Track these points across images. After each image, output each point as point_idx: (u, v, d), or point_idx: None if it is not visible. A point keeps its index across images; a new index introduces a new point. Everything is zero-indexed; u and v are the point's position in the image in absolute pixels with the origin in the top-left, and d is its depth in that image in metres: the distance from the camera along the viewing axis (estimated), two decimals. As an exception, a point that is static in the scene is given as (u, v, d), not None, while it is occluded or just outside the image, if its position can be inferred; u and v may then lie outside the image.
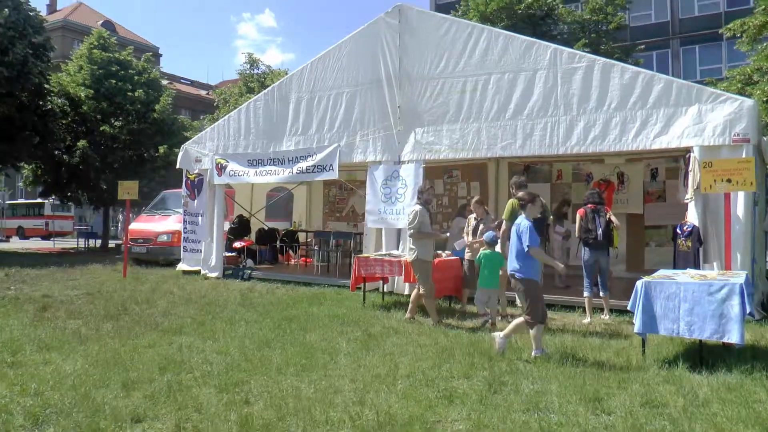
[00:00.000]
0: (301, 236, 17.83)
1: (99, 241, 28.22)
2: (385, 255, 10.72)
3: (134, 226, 18.21)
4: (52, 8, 67.18)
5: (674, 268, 9.68)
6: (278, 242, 16.75)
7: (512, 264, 7.16)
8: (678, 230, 9.70)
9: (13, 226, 38.17)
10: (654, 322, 6.53)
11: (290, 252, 17.23)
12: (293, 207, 19.08)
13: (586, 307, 9.53)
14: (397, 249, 11.49)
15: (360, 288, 10.67)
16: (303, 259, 17.05)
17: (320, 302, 10.75)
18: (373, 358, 6.76)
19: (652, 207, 13.88)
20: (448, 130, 11.42)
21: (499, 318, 9.13)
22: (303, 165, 13.12)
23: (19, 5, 21.89)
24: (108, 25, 62.00)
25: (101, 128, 25.52)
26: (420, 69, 11.76)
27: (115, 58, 27.85)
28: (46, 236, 35.79)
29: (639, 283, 6.72)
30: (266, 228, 17.38)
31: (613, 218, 9.80)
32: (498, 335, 7.16)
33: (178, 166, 15.66)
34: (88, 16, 63.84)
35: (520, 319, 7.07)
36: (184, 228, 15.27)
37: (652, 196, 13.98)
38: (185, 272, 15.01)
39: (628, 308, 6.87)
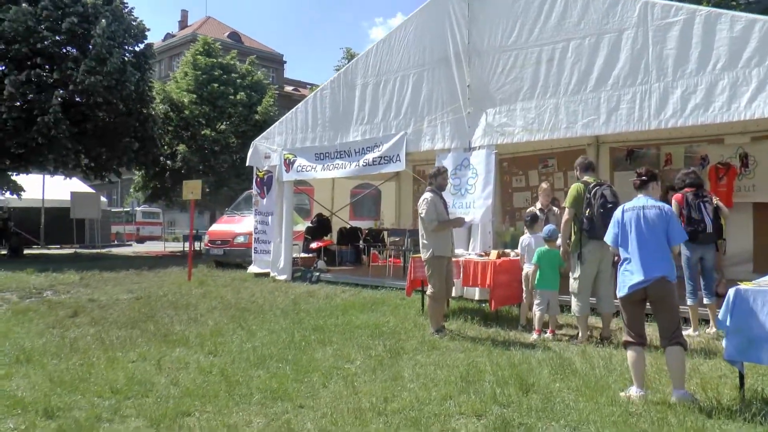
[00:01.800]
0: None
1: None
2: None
3: (214, 227, 17.87)
4: (183, 24, 70.68)
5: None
6: (361, 242, 15.66)
7: (659, 264, 5.03)
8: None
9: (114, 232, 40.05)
10: (754, 347, 4.73)
11: (376, 252, 16.11)
12: (382, 204, 17.96)
13: (691, 318, 7.70)
14: (468, 248, 10.03)
15: (419, 291, 9.33)
16: (392, 259, 15.87)
17: (374, 309, 9.53)
18: (375, 383, 5.45)
19: (787, 194, 11.48)
20: (522, 109, 9.83)
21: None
22: (369, 157, 11.95)
23: (120, 16, 22.33)
24: (234, 36, 64.29)
25: (203, 132, 25.73)
26: (491, 41, 10.24)
27: (218, 62, 28.12)
28: (140, 241, 37.86)
29: (731, 292, 4.95)
30: (348, 227, 16.37)
31: (720, 204, 7.90)
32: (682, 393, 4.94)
33: (248, 164, 15.00)
34: (216, 29, 66.32)
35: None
36: (255, 228, 14.57)
37: (786, 181, 11.57)
38: (257, 275, 14.28)
39: (716, 326, 5.11)
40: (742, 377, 5.01)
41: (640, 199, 5.24)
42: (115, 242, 34.75)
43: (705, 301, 7.72)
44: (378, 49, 11.98)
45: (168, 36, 66.43)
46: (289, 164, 13.57)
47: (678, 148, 12.62)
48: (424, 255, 7.87)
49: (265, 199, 14.31)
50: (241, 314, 9.30)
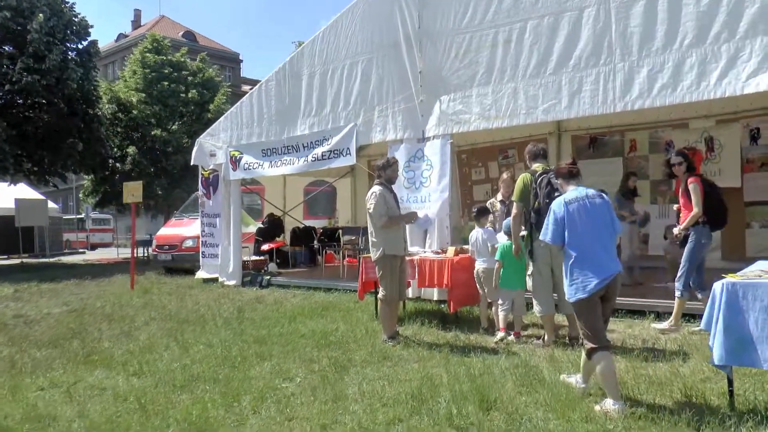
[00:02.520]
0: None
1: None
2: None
3: (161, 231, 16.92)
4: (136, 24, 68.79)
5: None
6: (316, 242, 14.86)
7: (615, 258, 4.67)
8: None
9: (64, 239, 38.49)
10: (745, 348, 4.09)
11: (332, 252, 15.33)
12: (337, 202, 17.18)
13: (675, 310, 7.12)
14: (424, 246, 9.33)
15: (373, 294, 8.59)
16: (347, 259, 15.11)
17: (324, 314, 8.78)
18: (314, 406, 4.73)
19: (754, 178, 11.01)
20: (478, 95, 9.15)
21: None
22: (318, 151, 11.18)
23: (59, 11, 21.14)
24: (188, 35, 62.76)
25: (153, 132, 24.63)
26: (443, 23, 9.55)
27: (168, 60, 27.03)
28: (92, 248, 36.52)
29: (718, 286, 4.31)
30: (301, 227, 15.56)
31: None
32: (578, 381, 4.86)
33: (192, 163, 14.10)
34: (170, 28, 64.57)
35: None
36: (202, 231, 13.68)
37: (752, 165, 11.11)
38: (205, 281, 13.40)
39: (701, 326, 4.48)
40: (731, 383, 4.40)
41: (580, 189, 4.73)
42: (66, 250, 33.31)
43: (699, 295, 7.17)
44: (324, 35, 11.21)
45: (121, 36, 64.63)
46: (235, 162, 12.72)
47: (642, 134, 12.13)
48: (374, 255, 7.15)
49: (211, 200, 13.44)
50: (179, 326, 8.47)
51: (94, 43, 22.64)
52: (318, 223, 16.24)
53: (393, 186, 7.35)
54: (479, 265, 7.31)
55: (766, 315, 4.00)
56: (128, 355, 6.83)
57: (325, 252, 14.46)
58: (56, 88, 19.56)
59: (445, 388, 5.04)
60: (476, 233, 7.40)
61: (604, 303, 4.58)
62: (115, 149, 24.83)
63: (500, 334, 6.93)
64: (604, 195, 4.76)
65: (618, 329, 7.23)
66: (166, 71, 26.38)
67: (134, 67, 26.61)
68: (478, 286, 7.39)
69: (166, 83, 25.98)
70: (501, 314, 6.97)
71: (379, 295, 7.15)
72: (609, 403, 4.38)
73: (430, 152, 9.57)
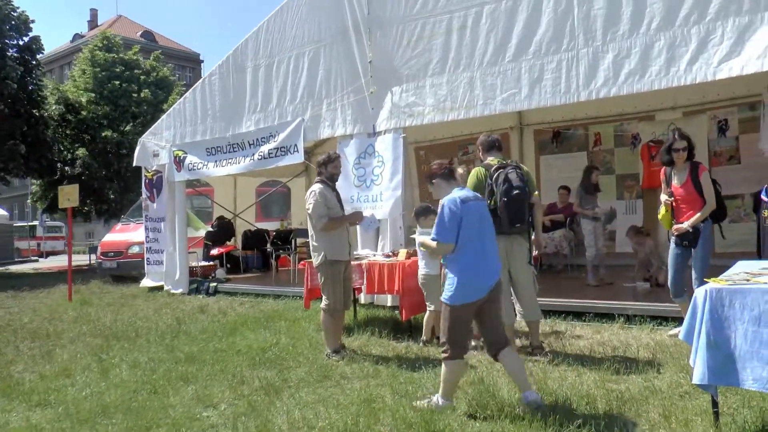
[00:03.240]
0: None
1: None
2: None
3: (107, 238, 15.98)
4: (93, 24, 66.89)
5: (759, 253, 6.64)
6: (269, 245, 14.06)
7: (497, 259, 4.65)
8: (763, 196, 6.62)
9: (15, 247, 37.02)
10: (732, 365, 3.48)
11: (286, 256, 14.53)
12: (291, 203, 16.37)
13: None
14: (376, 248, 8.65)
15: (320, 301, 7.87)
16: (302, 263, 14.31)
17: (268, 325, 8.05)
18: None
19: (723, 171, 10.44)
20: (432, 85, 8.50)
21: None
22: (265, 149, 10.42)
23: (-6, 6, 20.00)
24: (147, 35, 61.26)
25: (104, 134, 23.51)
26: (394, 10, 8.87)
27: (119, 58, 25.92)
28: (45, 256, 34.98)
29: (700, 293, 3.69)
30: (253, 230, 14.76)
31: None
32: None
33: (135, 164, 13.23)
34: (127, 28, 62.88)
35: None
36: (147, 237, 12.81)
37: (720, 158, 10.63)
38: (151, 289, 12.54)
39: (681, 337, 3.86)
40: (715, 404, 3.78)
41: (464, 190, 4.59)
42: (17, 259, 31.92)
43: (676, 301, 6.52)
44: (269, 25, 10.45)
45: (77, 36, 62.76)
46: (179, 162, 11.90)
47: (607, 127, 11.62)
48: (315, 260, 6.45)
49: (155, 203, 12.58)
50: (108, 343, 7.65)
51: (35, 39, 21.50)
52: (271, 226, 15.42)
53: (337, 184, 6.64)
54: (420, 271, 6.63)
55: (757, 326, 3.39)
56: (40, 381, 6.02)
57: (279, 256, 13.67)
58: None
59: (387, 414, 4.35)
60: (418, 235, 6.73)
61: (490, 304, 4.46)
62: (65, 152, 23.65)
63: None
64: (479, 197, 4.73)
65: (585, 335, 6.66)
66: (118, 70, 25.25)
67: (83, 66, 25.43)
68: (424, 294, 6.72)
69: (117, 82, 24.84)
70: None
71: (322, 305, 6.44)
72: (438, 398, 4.45)
73: (382, 148, 8.90)
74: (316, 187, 6.42)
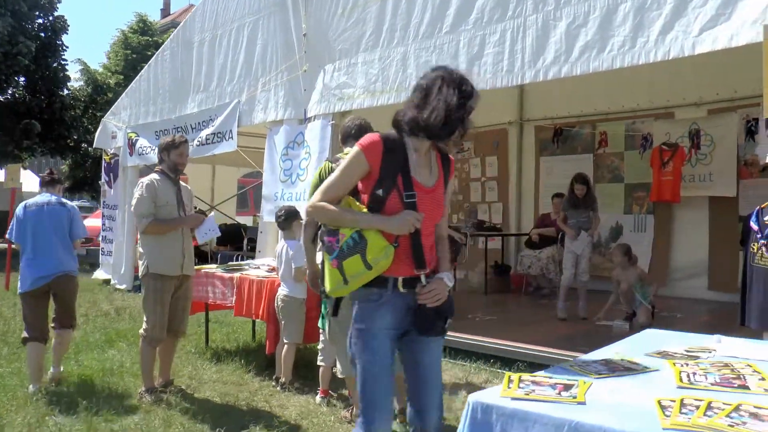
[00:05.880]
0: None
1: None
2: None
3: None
4: (165, 12, 67.83)
5: (743, 296, 4.86)
6: (245, 242, 12.80)
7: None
8: (753, 223, 4.80)
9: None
10: None
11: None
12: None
13: None
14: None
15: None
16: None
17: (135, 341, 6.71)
18: None
19: (753, 186, 8.43)
20: (364, 62, 6.95)
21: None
22: (204, 134, 9.10)
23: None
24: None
25: (129, 117, 22.91)
26: (333, -29, 7.37)
27: (153, 41, 25.30)
28: None
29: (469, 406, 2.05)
30: (227, 224, 13.51)
31: None
32: None
33: (94, 146, 12.26)
34: (200, 16, 63.41)
35: None
36: (103, 225, 11.78)
37: (751, 168, 8.51)
38: (105, 281, 11.48)
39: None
40: None
41: (45, 196, 5.36)
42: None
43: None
44: (215, -7, 9.12)
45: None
46: (132, 145, 10.74)
47: (617, 125, 9.71)
48: (141, 270, 5.04)
49: (112, 189, 11.50)
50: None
51: (60, 18, 20.99)
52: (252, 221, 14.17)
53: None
54: (279, 292, 5.14)
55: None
56: None
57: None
58: (3, 64, 17.93)
59: None
60: (280, 246, 5.24)
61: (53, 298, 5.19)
62: (93, 133, 23.23)
63: (319, 398, 4.79)
64: (66, 203, 5.42)
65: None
66: (149, 53, 24.61)
67: (116, 49, 24.95)
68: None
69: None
70: (321, 366, 4.80)
71: (140, 330, 5.03)
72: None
73: (310, 137, 7.41)
74: (147, 179, 5.04)
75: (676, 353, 2.54)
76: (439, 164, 2.74)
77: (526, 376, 2.12)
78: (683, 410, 1.75)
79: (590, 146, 9.93)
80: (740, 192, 8.53)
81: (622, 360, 2.41)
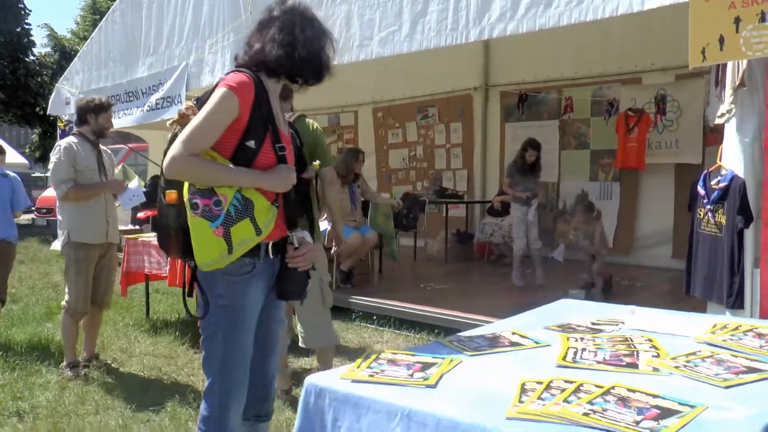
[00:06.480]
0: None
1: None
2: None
3: (45, 193, 14.80)
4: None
5: (689, 264, 4.67)
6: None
7: None
8: (700, 187, 4.58)
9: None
10: None
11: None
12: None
13: None
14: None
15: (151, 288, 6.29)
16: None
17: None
18: None
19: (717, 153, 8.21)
20: (311, 21, 6.61)
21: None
22: (153, 98, 8.74)
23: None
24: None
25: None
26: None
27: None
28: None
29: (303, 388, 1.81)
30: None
31: None
32: None
33: (48, 112, 11.84)
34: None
35: None
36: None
37: (716, 136, 8.24)
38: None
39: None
40: None
41: None
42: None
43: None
44: (165, -52, 8.68)
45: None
46: (84, 112, 10.33)
47: (584, 91, 9.43)
48: (60, 240, 4.78)
49: (67, 158, 11.10)
50: None
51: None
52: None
53: (95, 137, 4.89)
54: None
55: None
56: None
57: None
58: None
59: None
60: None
61: None
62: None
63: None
64: (8, 174, 5.47)
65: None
66: (119, 18, 24.02)
67: (85, 13, 24.30)
68: None
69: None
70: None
71: (62, 302, 4.78)
72: None
73: (257, 101, 7.08)
74: (64, 142, 4.75)
75: (579, 326, 2.32)
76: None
77: (387, 353, 1.88)
78: (544, 394, 1.52)
79: (556, 112, 9.67)
80: (706, 159, 8.25)
81: (513, 334, 2.18)
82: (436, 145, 11.01)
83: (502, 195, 9.02)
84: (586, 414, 1.37)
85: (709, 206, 4.35)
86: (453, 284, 7.54)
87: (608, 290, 6.72)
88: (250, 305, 2.31)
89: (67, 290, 4.71)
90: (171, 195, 2.31)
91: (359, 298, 6.48)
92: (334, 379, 1.68)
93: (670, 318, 2.45)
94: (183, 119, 2.61)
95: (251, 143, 2.22)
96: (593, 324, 2.35)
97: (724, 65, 4.38)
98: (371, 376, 1.68)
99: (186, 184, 2.24)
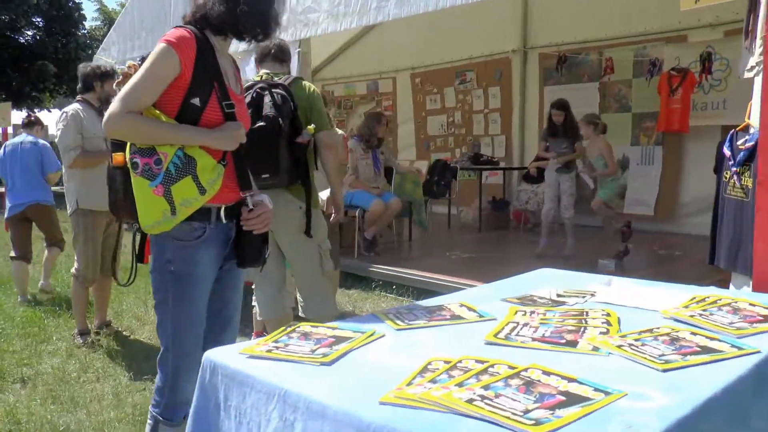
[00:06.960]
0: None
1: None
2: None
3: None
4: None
5: (714, 230, 4.33)
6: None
7: None
8: (726, 148, 4.21)
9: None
10: None
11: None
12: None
13: None
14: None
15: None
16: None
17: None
18: None
19: (768, 114, 7.72)
20: (327, -17, 6.44)
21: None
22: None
23: None
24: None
25: (148, 55, 22.77)
26: None
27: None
28: None
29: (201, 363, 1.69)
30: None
31: None
32: None
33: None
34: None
35: None
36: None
37: (767, 95, 7.77)
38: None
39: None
40: None
41: (23, 136, 6.20)
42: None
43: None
44: None
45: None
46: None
47: (625, 51, 8.96)
48: (68, 207, 4.80)
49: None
50: None
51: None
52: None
53: (101, 104, 4.86)
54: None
55: None
56: None
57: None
58: (12, 3, 17.81)
59: None
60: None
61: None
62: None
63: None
64: (39, 142, 6.16)
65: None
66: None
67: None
68: None
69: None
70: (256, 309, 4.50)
71: (72, 270, 4.82)
72: None
73: (278, 67, 6.95)
74: (70, 108, 4.73)
75: (542, 298, 2.13)
76: (236, 69, 2.34)
77: (306, 326, 1.75)
78: (442, 376, 1.35)
79: (596, 74, 9.23)
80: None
81: (461, 306, 2.01)
82: (474, 110, 10.71)
83: (538, 161, 8.71)
84: (470, 400, 1.20)
85: (734, 168, 4.01)
86: (482, 253, 7.34)
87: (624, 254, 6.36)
88: (200, 272, 2.24)
89: (76, 258, 4.73)
90: (117, 157, 2.24)
91: (379, 266, 6.36)
92: (230, 355, 1.56)
93: (648, 290, 2.23)
94: (126, 78, 2.52)
95: (196, 101, 2.15)
96: (558, 296, 2.16)
97: (756, 14, 4.00)
98: (269, 351, 1.55)
99: (128, 144, 2.16)
